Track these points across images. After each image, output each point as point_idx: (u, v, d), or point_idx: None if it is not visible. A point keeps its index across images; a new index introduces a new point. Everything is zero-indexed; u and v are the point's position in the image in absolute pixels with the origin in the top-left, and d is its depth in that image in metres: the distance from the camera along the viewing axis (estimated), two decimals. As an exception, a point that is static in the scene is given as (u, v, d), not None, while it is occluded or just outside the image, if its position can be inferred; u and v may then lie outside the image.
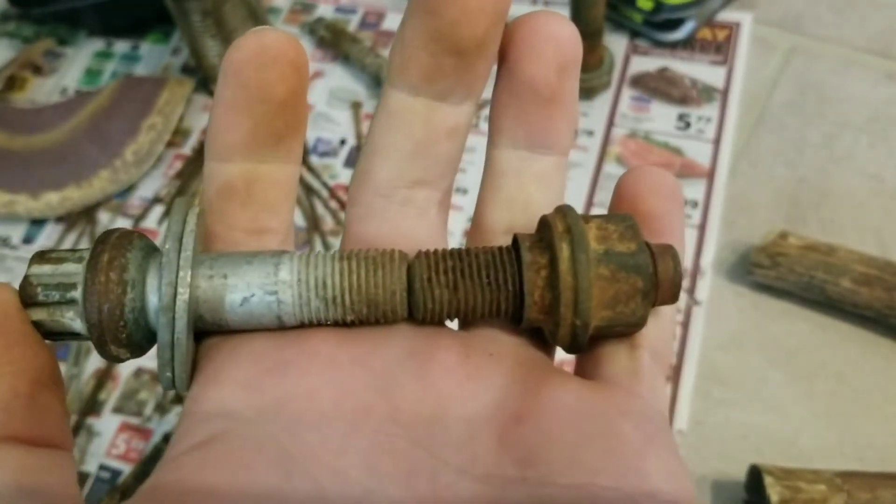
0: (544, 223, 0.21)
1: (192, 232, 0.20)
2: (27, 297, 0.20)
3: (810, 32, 0.77)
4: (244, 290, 0.20)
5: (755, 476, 0.53)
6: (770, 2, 0.79)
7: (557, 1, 0.82)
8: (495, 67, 0.23)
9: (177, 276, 0.20)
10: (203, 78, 0.80)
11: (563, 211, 0.21)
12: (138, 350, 0.21)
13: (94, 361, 0.66)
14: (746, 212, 0.68)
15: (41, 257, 0.21)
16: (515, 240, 0.21)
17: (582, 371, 0.23)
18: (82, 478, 0.61)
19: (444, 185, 0.23)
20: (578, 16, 0.69)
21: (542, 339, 0.23)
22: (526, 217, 0.23)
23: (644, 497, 0.19)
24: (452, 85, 0.21)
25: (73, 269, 0.20)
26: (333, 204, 0.72)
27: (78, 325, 0.20)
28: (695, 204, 0.68)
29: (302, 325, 0.21)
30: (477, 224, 0.24)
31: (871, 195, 0.67)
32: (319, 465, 0.19)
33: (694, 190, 0.69)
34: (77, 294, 0.20)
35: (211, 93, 0.80)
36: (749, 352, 0.62)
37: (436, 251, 0.21)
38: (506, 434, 0.20)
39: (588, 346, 0.22)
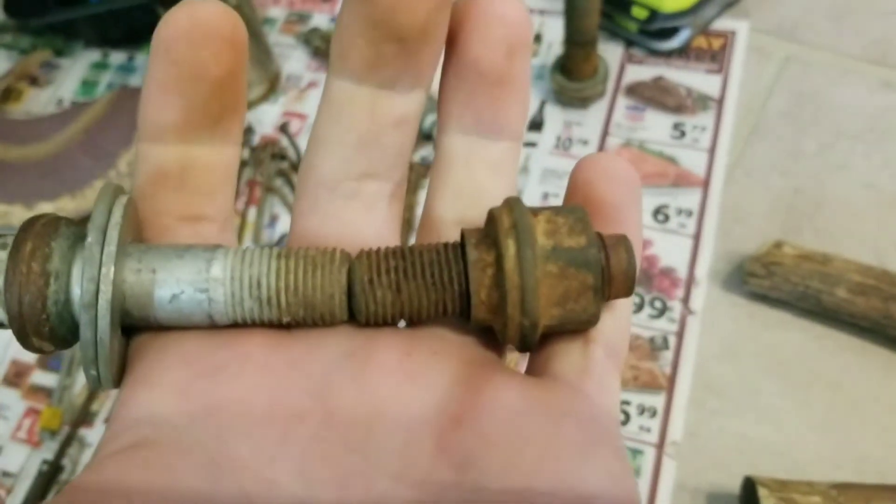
0: (491, 217, 0.20)
1: (117, 224, 0.19)
2: None
3: (806, 41, 0.77)
4: (173, 286, 0.19)
5: (749, 488, 0.53)
6: (765, 10, 0.79)
7: (552, 10, 0.82)
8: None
9: (99, 272, 0.19)
10: (198, 88, 0.80)
11: (511, 204, 0.20)
12: (63, 343, 0.20)
13: (87, 373, 0.66)
14: (742, 221, 0.67)
15: None
16: (462, 236, 0.20)
17: (533, 368, 0.22)
18: (74, 490, 0.60)
19: (394, 177, 0.22)
20: (572, 25, 0.69)
21: (494, 336, 0.22)
22: (477, 207, 0.22)
23: (582, 501, 0.18)
24: (397, 73, 0.20)
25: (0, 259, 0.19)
26: (328, 214, 0.72)
27: (1, 314, 0.19)
28: (689, 213, 0.68)
29: (235, 325, 0.20)
30: (427, 215, 0.23)
31: (866, 204, 0.67)
32: (249, 473, 0.18)
33: (689, 199, 0.69)
34: None
35: (206, 103, 0.80)
36: (744, 362, 0.61)
37: (378, 250, 0.21)
38: (444, 437, 0.19)
39: (540, 342, 0.21)
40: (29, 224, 0.19)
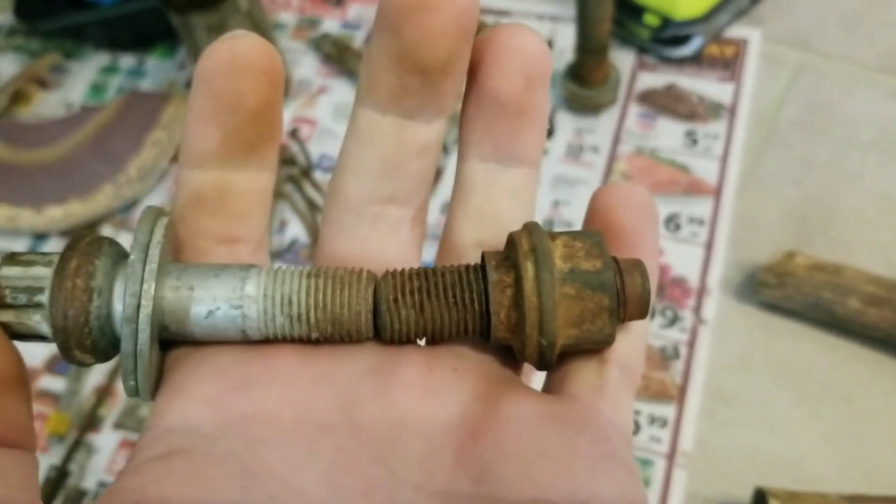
0: (511, 241, 0.21)
1: (158, 243, 0.20)
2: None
3: (819, 49, 0.76)
4: (209, 303, 0.20)
5: (760, 499, 0.52)
6: (778, 18, 0.79)
7: (564, 17, 0.82)
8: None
9: (140, 288, 0.20)
10: (208, 93, 0.79)
11: (530, 228, 0.21)
12: (103, 356, 0.21)
13: (95, 377, 0.65)
14: (754, 230, 0.67)
15: (11, 259, 0.21)
16: (483, 258, 0.21)
17: (550, 385, 0.23)
18: (80, 495, 0.60)
19: (416, 202, 0.23)
20: (584, 33, 0.69)
21: (512, 354, 0.22)
22: (496, 231, 0.23)
23: None
24: (420, 104, 0.21)
25: (42, 273, 0.20)
26: (337, 220, 0.72)
27: (44, 328, 0.20)
28: (701, 222, 0.67)
29: (267, 340, 0.21)
30: (447, 238, 0.24)
31: (879, 214, 0.66)
32: (278, 481, 0.19)
33: (701, 208, 0.68)
34: (44, 298, 0.20)
35: (216, 108, 0.80)
36: (756, 372, 0.61)
37: (402, 271, 0.21)
38: (463, 450, 0.20)
39: (557, 361, 0.22)
40: (74, 242, 0.20)
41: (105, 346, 0.20)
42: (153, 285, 0.20)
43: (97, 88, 0.84)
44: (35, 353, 0.67)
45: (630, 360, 0.22)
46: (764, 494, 0.52)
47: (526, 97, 0.22)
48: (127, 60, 0.86)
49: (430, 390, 0.21)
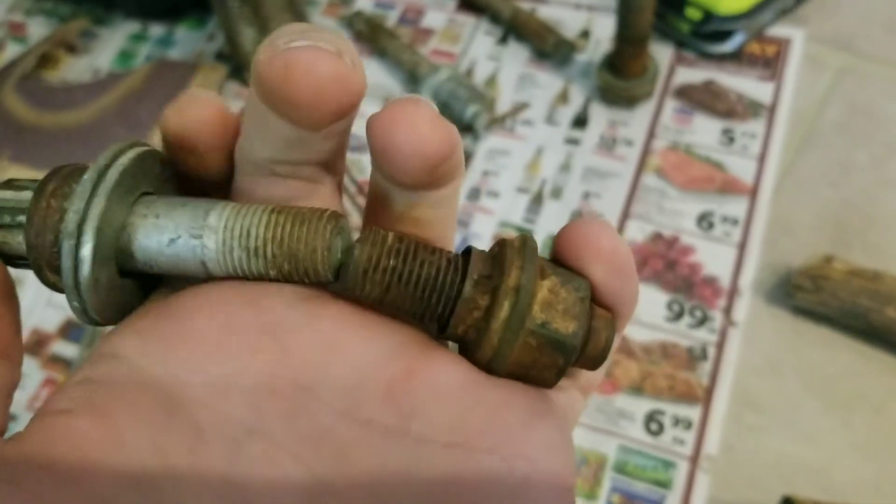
0: (501, 259, 0.20)
1: (120, 165, 0.20)
2: None
3: (862, 52, 0.74)
4: (171, 231, 0.20)
5: (788, 508, 0.51)
6: (822, 19, 0.77)
7: (601, 6, 0.80)
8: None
9: (88, 204, 0.19)
10: (237, 65, 0.78)
11: (525, 254, 0.20)
12: None
13: (109, 346, 0.64)
14: (789, 233, 0.65)
15: (7, 184, 0.21)
16: (467, 261, 0.20)
17: None
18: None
19: (333, 166, 0.22)
20: (625, 21, 0.67)
21: None
22: (418, 231, 0.21)
23: (523, 463, 0.19)
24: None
25: (28, 197, 0.20)
26: (361, 200, 0.70)
27: (24, 249, 0.20)
28: (735, 221, 0.66)
29: (228, 277, 0.21)
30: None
31: (920, 223, 0.64)
32: (200, 405, 0.19)
33: (735, 207, 0.66)
34: (24, 219, 0.20)
35: (244, 81, 0.79)
36: (785, 378, 0.59)
37: (385, 238, 0.20)
38: (394, 385, 0.19)
39: None
40: (57, 168, 0.20)
41: None
42: (103, 202, 0.19)
43: (125, 56, 0.83)
44: (49, 320, 0.66)
45: (590, 376, 0.23)
46: (791, 503, 0.50)
47: (431, 177, 0.20)
48: (156, 29, 0.84)
49: (364, 324, 0.20)
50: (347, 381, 0.19)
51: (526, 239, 0.20)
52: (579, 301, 0.20)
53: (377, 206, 0.21)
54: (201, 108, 0.21)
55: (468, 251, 0.21)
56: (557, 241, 0.21)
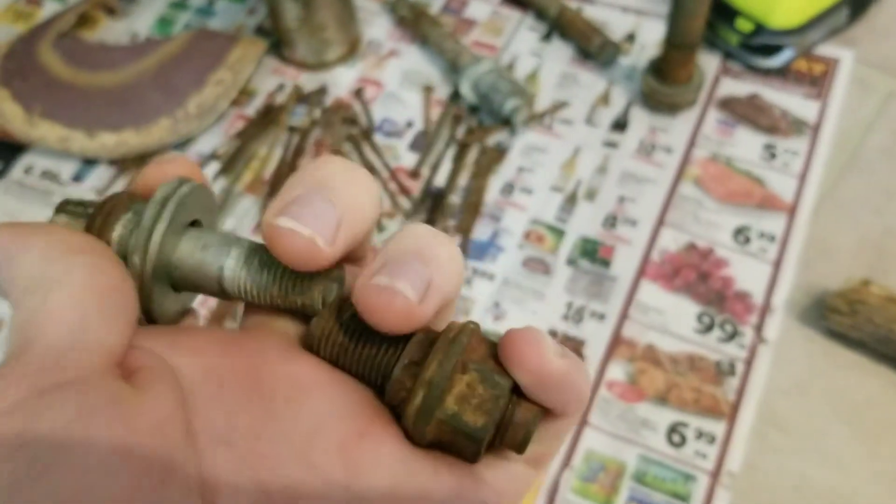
0: (436, 343, 0.22)
1: (178, 196, 0.23)
2: (60, 206, 0.24)
3: (912, 79, 0.73)
4: (206, 240, 0.24)
5: (810, 532, 0.49)
6: (873, 42, 0.75)
7: (649, 11, 0.79)
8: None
9: (153, 225, 0.23)
10: (277, 41, 0.77)
11: (450, 349, 0.22)
12: None
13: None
14: (826, 255, 0.64)
15: (80, 202, 0.24)
16: (405, 345, 0.23)
17: None
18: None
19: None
20: (676, 26, 0.66)
21: None
22: None
23: None
24: None
25: (81, 225, 0.24)
26: (392, 186, 0.69)
27: None
28: (772, 238, 0.64)
29: (238, 296, 0.24)
30: None
31: (961, 255, 0.63)
32: (196, 406, 0.21)
33: (773, 224, 0.65)
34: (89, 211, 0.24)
35: (283, 57, 0.78)
36: (813, 400, 0.58)
37: (341, 314, 0.23)
38: (346, 443, 0.22)
39: None
40: (109, 198, 0.24)
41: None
42: (164, 226, 0.23)
43: (164, 22, 0.82)
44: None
45: (542, 453, 0.25)
46: (814, 527, 0.49)
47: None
48: (197, -2, 0.83)
49: (332, 380, 0.23)
50: (308, 425, 0.22)
51: (460, 331, 0.22)
52: (493, 398, 0.22)
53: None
54: (180, 168, 0.24)
55: (417, 333, 0.23)
56: (499, 344, 0.23)
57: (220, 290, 0.24)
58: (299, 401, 0.22)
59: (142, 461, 0.19)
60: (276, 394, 0.22)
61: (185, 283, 0.24)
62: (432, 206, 0.68)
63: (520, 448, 0.23)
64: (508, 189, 0.69)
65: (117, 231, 0.23)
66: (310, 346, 0.24)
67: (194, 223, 0.25)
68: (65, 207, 0.24)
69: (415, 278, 0.22)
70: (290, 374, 0.23)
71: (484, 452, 0.23)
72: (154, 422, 0.20)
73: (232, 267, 0.24)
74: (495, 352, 0.23)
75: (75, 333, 0.20)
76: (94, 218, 0.23)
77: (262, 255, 0.24)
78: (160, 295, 0.24)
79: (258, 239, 0.24)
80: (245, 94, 0.75)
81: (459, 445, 0.22)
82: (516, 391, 0.23)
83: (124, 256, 0.23)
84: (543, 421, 0.23)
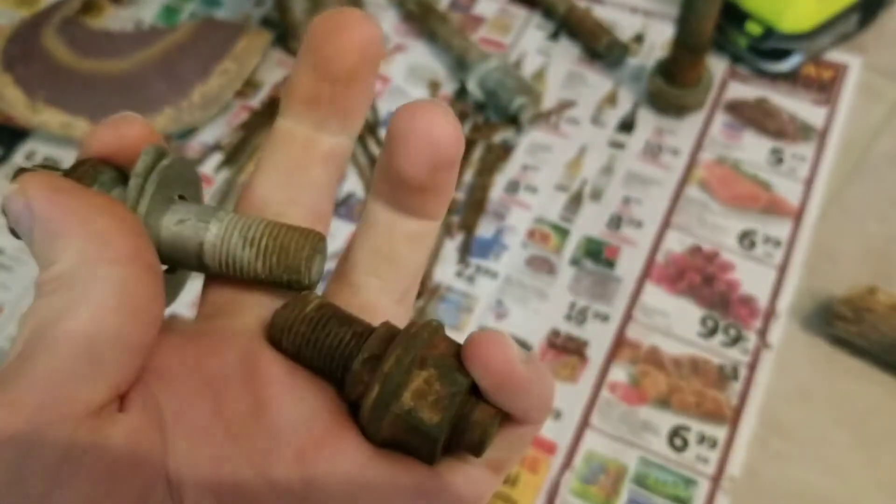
0: (394, 342, 0.22)
1: (161, 168, 0.23)
2: (16, 175, 0.23)
3: (920, 87, 0.73)
4: (183, 214, 0.23)
5: (812, 539, 0.49)
6: (882, 49, 0.75)
7: (657, 12, 0.79)
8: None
9: (138, 196, 0.23)
10: (283, 33, 0.77)
11: (410, 342, 0.22)
12: None
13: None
14: (831, 260, 0.64)
15: (45, 167, 0.24)
16: (364, 342, 0.23)
17: None
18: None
19: (318, 207, 0.25)
20: (686, 28, 0.66)
21: None
22: (388, 269, 0.25)
23: None
24: (328, 114, 0.24)
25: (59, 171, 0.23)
26: (397, 181, 0.69)
27: None
28: (777, 243, 0.64)
29: (219, 273, 0.24)
30: (343, 262, 0.26)
31: (966, 264, 0.63)
32: (169, 407, 0.22)
33: (778, 228, 0.65)
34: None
35: (289, 49, 0.77)
36: (816, 407, 0.58)
37: (305, 306, 0.23)
38: (303, 453, 0.22)
39: None
40: (81, 161, 0.23)
41: None
42: (147, 199, 0.23)
43: (170, 11, 0.81)
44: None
45: (504, 458, 0.24)
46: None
47: (430, 180, 0.23)
48: (204, -12, 0.83)
49: (292, 387, 0.23)
50: (264, 443, 0.22)
51: (421, 327, 0.22)
52: (450, 395, 0.22)
53: (358, 233, 0.25)
54: (134, 127, 0.24)
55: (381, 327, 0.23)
56: (464, 345, 0.23)
57: (200, 266, 0.24)
58: (258, 416, 0.22)
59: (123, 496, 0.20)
60: (237, 414, 0.22)
61: (166, 260, 0.24)
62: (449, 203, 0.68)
63: (477, 450, 0.22)
64: (513, 187, 0.69)
65: None
66: (272, 336, 0.23)
67: (178, 198, 0.24)
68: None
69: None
70: (252, 389, 0.22)
71: (441, 453, 0.22)
72: (134, 457, 0.20)
73: (212, 241, 0.23)
74: (457, 352, 0.22)
75: (82, 366, 0.20)
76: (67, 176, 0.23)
77: (244, 229, 0.23)
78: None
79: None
80: (250, 86, 0.74)
81: (415, 444, 0.22)
82: (476, 393, 0.22)
83: None
84: (504, 426, 0.23)
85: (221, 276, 0.24)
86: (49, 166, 0.23)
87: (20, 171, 0.23)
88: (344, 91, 0.24)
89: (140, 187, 0.22)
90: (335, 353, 0.23)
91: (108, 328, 0.20)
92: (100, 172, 0.23)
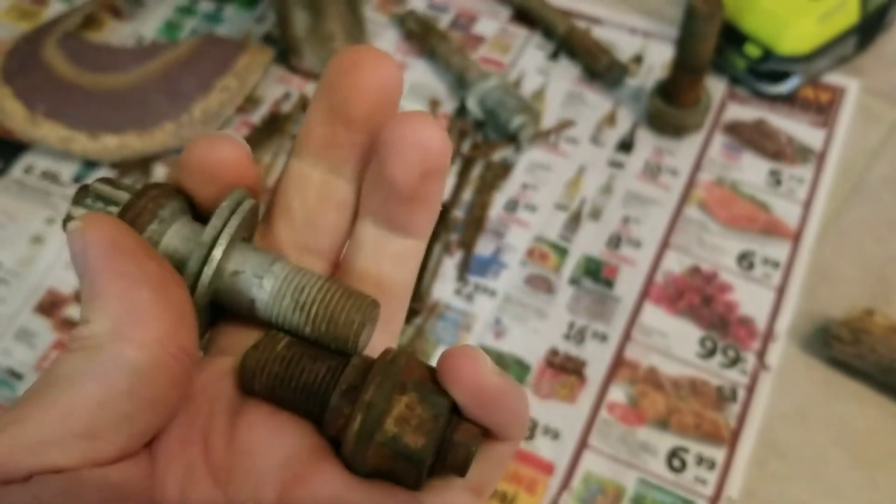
0: (371, 371, 0.22)
1: (241, 212, 0.23)
2: (77, 197, 0.23)
3: (917, 110, 0.73)
4: (240, 264, 0.23)
5: (810, 562, 0.49)
6: (879, 71, 0.76)
7: (656, 33, 0.79)
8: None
9: (211, 247, 0.23)
10: (284, 49, 0.77)
11: (388, 370, 0.22)
12: None
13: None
14: (829, 282, 0.64)
15: (107, 180, 0.24)
16: (342, 372, 0.23)
17: None
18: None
19: (331, 256, 0.26)
20: (685, 49, 0.66)
21: None
22: (375, 290, 0.25)
23: None
24: (344, 157, 0.24)
25: (124, 196, 0.23)
26: (397, 199, 0.69)
27: None
28: (776, 265, 0.64)
29: (269, 324, 0.24)
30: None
31: (964, 287, 0.63)
32: (157, 476, 0.22)
33: (777, 250, 0.65)
34: (114, 211, 0.23)
35: (291, 66, 0.77)
36: (813, 428, 0.58)
37: (275, 345, 0.23)
38: (285, 491, 0.22)
39: None
40: (157, 183, 0.24)
41: None
42: (222, 250, 0.23)
43: (171, 27, 0.81)
44: (66, 281, 0.64)
45: (482, 480, 0.24)
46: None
47: (420, 187, 0.23)
48: (206, 4, 0.83)
49: (272, 429, 0.23)
50: (249, 485, 0.22)
51: (397, 355, 0.23)
52: (433, 418, 0.22)
53: (345, 258, 0.25)
54: (233, 149, 0.24)
55: (353, 360, 0.23)
56: (437, 365, 0.23)
57: (250, 316, 0.24)
58: (239, 464, 0.22)
59: None
60: (220, 462, 0.22)
61: (218, 303, 0.24)
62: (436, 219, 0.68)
63: (462, 469, 0.22)
64: (512, 205, 0.69)
65: (145, 238, 0.23)
66: (244, 380, 0.23)
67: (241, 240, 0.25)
68: (82, 200, 0.23)
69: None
70: (232, 439, 0.23)
71: (426, 478, 0.22)
72: (124, 493, 0.20)
73: (264, 300, 0.23)
74: (433, 375, 0.23)
75: (72, 440, 0.20)
76: (139, 196, 0.23)
77: (297, 291, 0.23)
78: (199, 319, 0.23)
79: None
80: (250, 102, 0.75)
81: (400, 471, 0.22)
82: (456, 412, 0.22)
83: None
84: (484, 444, 0.23)
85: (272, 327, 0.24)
86: (111, 181, 0.23)
87: (83, 190, 0.23)
88: (361, 135, 0.24)
89: (217, 232, 0.23)
90: (311, 389, 0.23)
91: (115, 411, 0.20)
92: (160, 206, 0.23)
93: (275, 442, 0.23)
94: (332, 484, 0.22)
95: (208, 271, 0.22)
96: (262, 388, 0.23)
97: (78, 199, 0.23)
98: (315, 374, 0.23)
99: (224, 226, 0.23)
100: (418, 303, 0.63)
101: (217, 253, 0.22)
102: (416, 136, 0.22)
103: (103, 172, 0.71)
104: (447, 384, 0.22)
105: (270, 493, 0.22)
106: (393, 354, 0.23)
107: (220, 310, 0.25)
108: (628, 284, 0.64)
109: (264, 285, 0.23)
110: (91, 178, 0.70)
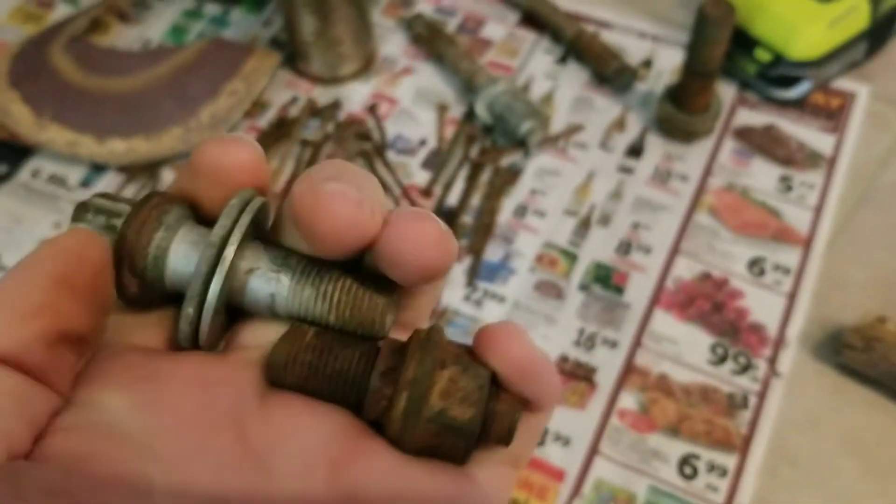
0: (408, 349, 0.22)
1: (251, 210, 0.22)
2: (78, 214, 0.23)
3: (927, 116, 0.73)
4: (253, 262, 0.23)
5: (824, 572, 0.49)
6: (890, 77, 0.75)
7: (665, 38, 0.79)
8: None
9: (222, 246, 0.22)
10: (291, 54, 0.77)
11: (425, 346, 0.22)
12: (148, 290, 0.23)
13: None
14: (840, 289, 0.63)
15: (105, 194, 0.23)
16: (377, 353, 0.22)
17: None
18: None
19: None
20: (696, 54, 0.66)
21: None
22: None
23: None
24: None
25: (124, 209, 0.23)
26: (404, 203, 0.69)
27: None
28: (787, 271, 0.64)
29: (289, 318, 0.23)
30: None
31: (976, 294, 0.63)
32: (174, 463, 0.21)
33: (788, 256, 0.65)
34: (118, 223, 0.22)
35: (297, 70, 0.77)
36: (825, 436, 0.57)
37: (304, 335, 0.23)
38: (337, 467, 0.21)
39: None
40: (156, 192, 0.23)
41: (153, 278, 0.22)
42: (234, 249, 0.22)
43: (178, 31, 0.81)
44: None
45: (519, 452, 0.24)
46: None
47: (422, 286, 0.23)
48: (212, 8, 0.83)
49: (308, 411, 0.22)
50: (296, 464, 0.21)
51: (430, 331, 0.22)
52: (478, 389, 0.22)
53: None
54: (244, 151, 0.23)
55: (384, 342, 0.23)
56: (474, 341, 0.23)
57: (270, 314, 0.23)
58: (281, 445, 0.22)
59: None
60: (260, 444, 0.22)
61: (234, 305, 0.23)
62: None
63: (507, 439, 0.22)
64: (521, 211, 0.68)
65: (153, 247, 0.22)
66: (274, 373, 0.23)
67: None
68: (82, 216, 0.23)
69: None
70: (267, 419, 0.22)
71: (479, 444, 0.23)
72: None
73: (284, 295, 0.23)
74: (467, 349, 0.23)
75: None
76: (141, 207, 0.22)
77: (316, 281, 0.23)
78: (214, 321, 0.23)
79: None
80: (258, 106, 0.74)
81: (449, 445, 0.22)
82: (493, 383, 0.22)
83: (161, 260, 0.22)
84: (522, 414, 0.23)
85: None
86: (109, 195, 0.23)
87: (82, 206, 0.23)
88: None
89: (228, 231, 0.22)
90: (347, 375, 0.22)
91: None
92: (165, 213, 0.22)
93: (316, 424, 0.22)
94: (386, 461, 0.22)
95: (222, 271, 0.22)
96: (294, 378, 0.22)
97: (78, 216, 0.23)
98: (349, 359, 0.22)
99: (234, 224, 0.22)
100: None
101: (229, 252, 0.22)
102: (417, 250, 0.21)
103: (111, 176, 0.70)
104: (489, 357, 0.22)
105: (321, 472, 0.21)
106: (426, 332, 0.23)
107: (235, 311, 0.24)
108: (638, 291, 0.63)
109: (282, 279, 0.22)
110: (99, 183, 0.70)
